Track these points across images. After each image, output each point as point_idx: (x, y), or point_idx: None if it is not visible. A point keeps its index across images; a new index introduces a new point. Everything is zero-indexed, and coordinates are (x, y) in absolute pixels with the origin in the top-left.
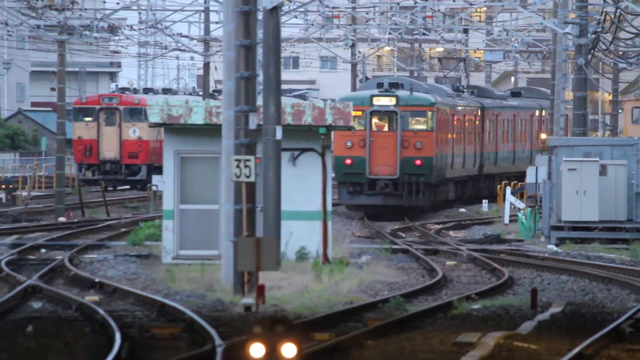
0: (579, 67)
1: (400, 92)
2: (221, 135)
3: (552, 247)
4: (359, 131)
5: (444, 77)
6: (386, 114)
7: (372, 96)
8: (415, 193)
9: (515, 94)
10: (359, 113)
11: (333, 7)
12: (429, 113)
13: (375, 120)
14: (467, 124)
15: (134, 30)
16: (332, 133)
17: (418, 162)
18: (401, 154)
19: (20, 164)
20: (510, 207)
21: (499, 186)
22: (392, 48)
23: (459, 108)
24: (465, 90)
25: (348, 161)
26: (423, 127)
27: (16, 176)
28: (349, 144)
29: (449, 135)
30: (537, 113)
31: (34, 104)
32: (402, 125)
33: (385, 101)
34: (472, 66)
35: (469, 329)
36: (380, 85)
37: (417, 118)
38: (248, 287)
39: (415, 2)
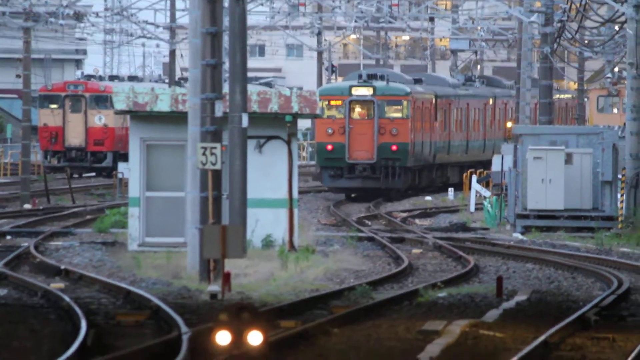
0: (545, 56)
1: (378, 83)
2: (187, 123)
3: (517, 236)
4: (339, 119)
5: (455, 67)
6: (364, 103)
7: (351, 86)
8: (392, 176)
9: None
10: (339, 102)
11: None
12: (404, 102)
13: (354, 108)
14: (472, 112)
15: (100, 17)
16: (315, 121)
17: (394, 147)
18: (378, 140)
19: None
20: (476, 196)
21: (464, 174)
22: (358, 36)
23: (459, 97)
24: (476, 80)
25: (329, 147)
26: (398, 115)
27: None
28: (329, 131)
29: (441, 123)
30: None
31: None
32: (379, 114)
33: (363, 91)
34: (437, 55)
35: (434, 317)
36: (360, 76)
37: (393, 106)
38: (214, 274)
39: None
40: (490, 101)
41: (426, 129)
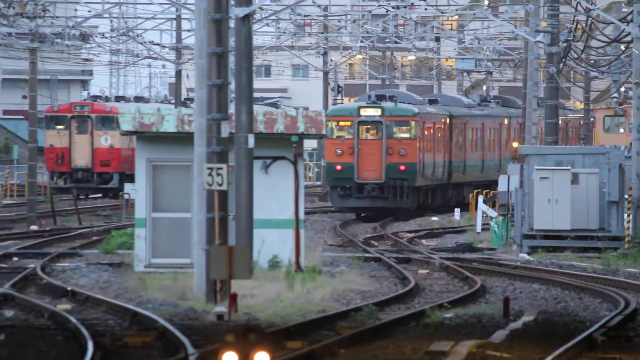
0: (551, 76)
1: (386, 104)
2: (193, 143)
3: (524, 256)
4: (348, 139)
5: (472, 88)
6: (372, 124)
7: (359, 107)
8: (400, 196)
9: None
10: (348, 123)
11: (305, 15)
12: (412, 122)
13: (362, 129)
14: (488, 132)
15: (106, 38)
16: (324, 141)
17: (402, 167)
18: (386, 160)
19: None
20: (483, 216)
21: (470, 194)
22: (363, 56)
23: (475, 117)
24: (491, 100)
25: (338, 167)
26: (406, 135)
27: None
28: (339, 151)
29: (457, 143)
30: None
31: (5, 112)
32: (387, 134)
33: (371, 112)
34: (443, 74)
35: (441, 338)
36: (369, 97)
37: (401, 127)
38: (220, 295)
39: (387, 11)
40: (506, 121)
41: (439, 149)
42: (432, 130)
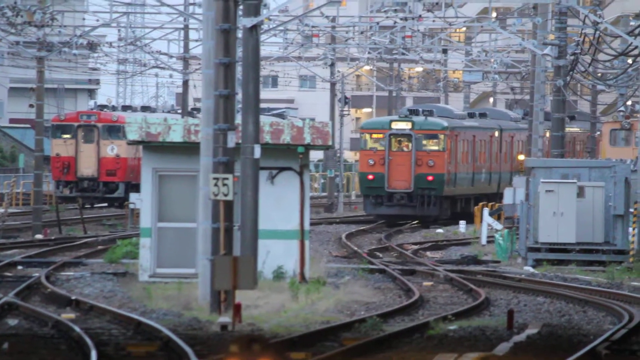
0: (558, 89)
1: (416, 118)
2: (199, 153)
3: (528, 269)
4: (380, 151)
5: (515, 102)
6: (403, 137)
7: (391, 121)
8: (427, 204)
9: (571, 117)
10: (381, 135)
11: (312, 27)
12: (441, 136)
13: (393, 141)
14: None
15: (113, 47)
16: (358, 152)
17: (430, 177)
18: (415, 170)
19: None
20: (488, 228)
21: (475, 207)
22: (371, 67)
23: (521, 131)
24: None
25: (370, 177)
26: (435, 147)
27: None
28: (371, 162)
29: (505, 154)
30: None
31: (12, 121)
32: (416, 146)
33: (402, 125)
34: (450, 86)
35: (445, 350)
36: (402, 111)
37: (431, 140)
38: (225, 305)
39: (395, 22)
40: (547, 133)
41: (482, 160)
42: (469, 142)
